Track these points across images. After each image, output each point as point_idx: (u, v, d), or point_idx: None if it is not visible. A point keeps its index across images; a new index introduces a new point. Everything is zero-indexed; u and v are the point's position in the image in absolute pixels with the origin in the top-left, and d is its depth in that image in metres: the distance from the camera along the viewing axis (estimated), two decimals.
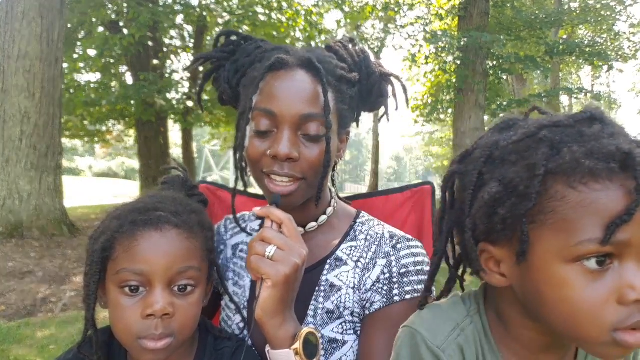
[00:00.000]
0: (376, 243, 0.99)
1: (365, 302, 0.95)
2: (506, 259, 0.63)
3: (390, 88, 1.05)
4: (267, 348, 0.82)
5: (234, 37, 1.05)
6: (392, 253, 0.97)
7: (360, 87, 1.01)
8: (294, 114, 0.88)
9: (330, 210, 1.04)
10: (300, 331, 0.81)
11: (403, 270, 0.94)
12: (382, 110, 1.09)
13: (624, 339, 0.54)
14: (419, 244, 1.01)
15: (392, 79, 1.05)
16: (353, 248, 1.00)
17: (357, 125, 1.15)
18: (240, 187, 1.04)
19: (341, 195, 1.17)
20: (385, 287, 0.93)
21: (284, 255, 0.79)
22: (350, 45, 1.05)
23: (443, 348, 0.65)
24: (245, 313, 1.00)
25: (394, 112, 1.10)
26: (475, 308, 0.71)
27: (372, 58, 1.05)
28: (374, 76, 1.02)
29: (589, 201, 0.55)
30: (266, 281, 0.79)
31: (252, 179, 0.98)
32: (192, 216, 0.85)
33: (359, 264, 0.98)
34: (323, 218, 1.03)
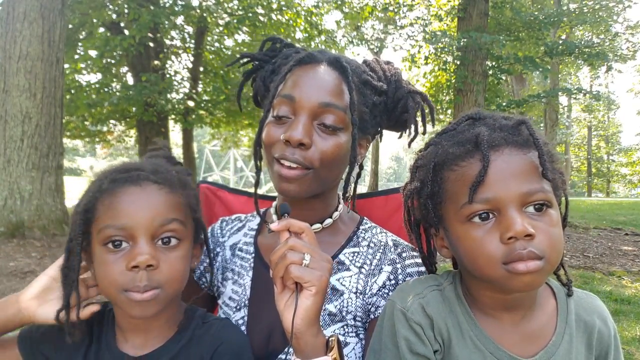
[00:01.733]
0: (380, 250, 1.01)
1: (370, 307, 0.96)
2: (442, 235, 0.84)
3: (415, 107, 1.06)
4: (294, 359, 0.79)
5: (278, 44, 1.12)
6: (397, 261, 0.99)
7: (386, 98, 1.04)
8: (313, 101, 0.90)
9: (336, 214, 1.05)
10: (331, 338, 0.81)
11: (408, 279, 0.96)
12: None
13: (515, 268, 0.70)
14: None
15: (420, 98, 1.06)
16: (356, 254, 1.02)
17: (380, 140, 1.15)
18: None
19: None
20: (390, 293, 0.95)
21: (317, 262, 0.78)
22: (385, 64, 1.08)
23: (407, 307, 0.82)
24: (246, 311, 1.01)
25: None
26: (449, 280, 0.88)
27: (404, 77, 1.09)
28: (401, 90, 1.04)
29: (460, 175, 0.76)
30: (309, 289, 0.76)
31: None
32: (172, 173, 0.86)
33: (363, 270, 0.99)
34: (329, 221, 1.04)
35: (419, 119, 1.07)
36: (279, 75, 0.98)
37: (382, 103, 1.04)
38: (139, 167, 0.84)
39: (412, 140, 1.07)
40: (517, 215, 0.70)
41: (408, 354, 0.78)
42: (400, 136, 1.12)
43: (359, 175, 1.14)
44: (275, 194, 1.06)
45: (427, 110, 1.07)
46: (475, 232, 0.74)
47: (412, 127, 1.06)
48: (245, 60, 1.16)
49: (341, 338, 0.94)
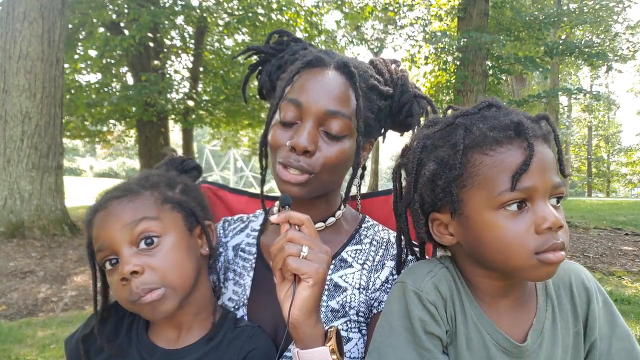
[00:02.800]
0: (383, 247, 1.02)
1: (372, 302, 0.97)
2: (451, 221, 0.80)
3: (420, 112, 1.06)
4: (296, 349, 0.81)
5: (285, 37, 1.10)
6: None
7: (391, 102, 1.03)
8: (319, 108, 0.90)
9: (339, 213, 1.06)
10: (331, 328, 0.82)
11: None
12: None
13: (547, 258, 0.70)
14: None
15: (425, 103, 1.07)
16: (358, 251, 1.02)
17: (383, 141, 1.16)
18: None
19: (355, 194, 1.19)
20: None
21: (316, 254, 0.79)
22: (392, 65, 1.07)
23: (421, 288, 0.80)
24: (245, 310, 1.01)
25: None
26: (448, 261, 0.87)
27: (410, 80, 1.08)
28: (407, 94, 1.04)
29: (498, 162, 0.73)
30: (306, 281, 0.77)
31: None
32: (131, 182, 0.92)
33: (366, 266, 1.00)
34: (331, 220, 1.04)
35: (422, 120, 1.07)
36: (286, 74, 0.98)
37: (388, 107, 1.03)
38: (107, 191, 0.91)
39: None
40: (549, 206, 0.72)
41: (423, 335, 0.77)
42: (402, 135, 1.13)
43: (362, 176, 1.14)
44: (278, 193, 1.06)
45: (431, 115, 1.07)
46: (507, 221, 0.72)
47: (416, 129, 1.07)
48: (250, 52, 1.15)
49: (344, 334, 0.94)
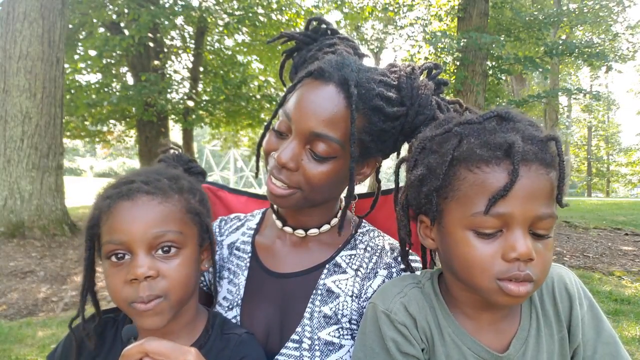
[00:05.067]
0: (377, 254, 1.01)
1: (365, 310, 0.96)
2: (431, 226, 0.80)
3: None
4: None
5: (323, 25, 1.08)
6: (393, 265, 0.99)
7: (404, 121, 0.95)
8: (306, 128, 0.88)
9: (334, 220, 1.05)
10: None
11: None
12: None
13: (507, 287, 0.69)
14: (417, 258, 1.02)
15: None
16: (352, 256, 1.02)
17: (398, 156, 1.06)
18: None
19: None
20: None
21: None
22: (416, 80, 0.96)
23: (389, 309, 0.80)
24: (238, 310, 1.01)
25: None
26: (427, 277, 0.86)
27: (437, 97, 0.99)
28: (422, 117, 0.95)
29: (480, 181, 0.70)
30: None
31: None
32: (165, 181, 0.86)
33: (359, 273, 0.99)
34: (326, 227, 1.04)
35: None
36: (301, 70, 0.97)
37: (399, 126, 0.95)
38: (131, 180, 0.85)
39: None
40: (524, 237, 0.68)
41: (398, 355, 0.77)
42: None
43: (379, 180, 1.12)
44: None
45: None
46: (477, 242, 0.71)
47: None
48: (284, 39, 1.12)
49: (336, 340, 0.94)
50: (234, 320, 1.00)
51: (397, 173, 0.90)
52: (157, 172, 0.90)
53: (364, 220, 1.11)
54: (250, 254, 1.08)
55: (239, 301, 1.02)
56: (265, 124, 1.00)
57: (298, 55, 1.08)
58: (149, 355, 0.70)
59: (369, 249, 1.03)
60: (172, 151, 1.07)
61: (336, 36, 1.07)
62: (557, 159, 0.71)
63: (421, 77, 0.99)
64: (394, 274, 0.97)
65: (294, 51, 1.10)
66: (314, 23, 1.09)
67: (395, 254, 1.01)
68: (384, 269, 0.98)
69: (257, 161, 1.05)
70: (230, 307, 1.02)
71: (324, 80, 0.90)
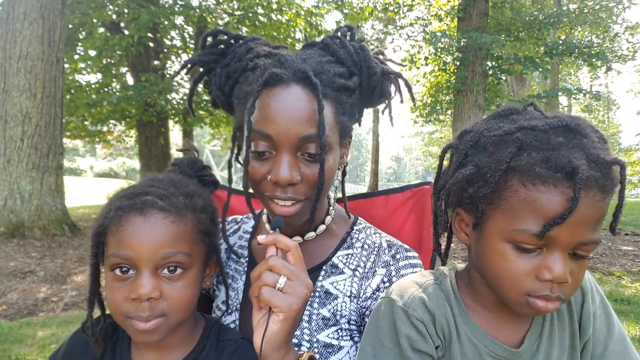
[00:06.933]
0: (374, 252, 1.00)
1: (364, 310, 0.96)
2: (470, 224, 0.78)
3: (393, 87, 1.02)
4: None
5: (223, 37, 1.00)
6: (391, 263, 0.98)
7: (360, 89, 0.96)
8: (292, 137, 0.83)
9: (328, 219, 1.04)
10: (302, 355, 0.80)
11: None
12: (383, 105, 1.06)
13: (535, 303, 0.70)
14: (416, 254, 1.02)
15: (394, 78, 1.02)
16: (349, 256, 1.01)
17: (360, 125, 1.09)
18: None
19: (340, 195, 1.17)
20: None
21: (293, 287, 0.76)
22: (348, 39, 0.98)
23: (408, 304, 0.79)
24: (237, 315, 1.01)
25: (394, 112, 1.10)
26: (444, 275, 0.86)
27: (372, 54, 1.00)
28: (375, 77, 0.96)
29: (532, 199, 0.66)
30: (277, 314, 0.75)
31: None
32: (180, 199, 0.83)
33: (357, 273, 0.98)
34: (322, 228, 1.03)
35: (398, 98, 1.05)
36: (241, 90, 0.91)
37: (358, 95, 0.96)
38: (145, 192, 0.82)
39: (391, 119, 1.05)
40: (563, 260, 0.67)
41: (410, 352, 0.77)
42: (393, 126, 1.10)
43: (344, 173, 1.09)
44: None
45: (406, 88, 1.03)
46: (514, 256, 0.70)
47: (391, 106, 1.04)
48: (190, 66, 1.03)
49: (335, 342, 0.93)
50: (233, 325, 1.00)
51: (441, 157, 0.86)
52: (174, 184, 0.87)
53: (359, 218, 1.11)
54: (247, 259, 1.07)
55: (238, 306, 1.01)
56: (232, 147, 0.96)
57: (215, 76, 0.98)
58: (288, 251, 0.79)
59: (366, 247, 1.02)
60: (186, 155, 1.05)
61: (244, 41, 0.98)
62: (618, 186, 0.67)
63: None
64: (392, 272, 0.97)
65: (205, 74, 1.01)
66: (209, 39, 1.00)
67: (392, 251, 1.00)
68: (382, 267, 0.98)
69: (230, 181, 1.01)
70: (230, 311, 1.02)
71: (283, 83, 0.85)
